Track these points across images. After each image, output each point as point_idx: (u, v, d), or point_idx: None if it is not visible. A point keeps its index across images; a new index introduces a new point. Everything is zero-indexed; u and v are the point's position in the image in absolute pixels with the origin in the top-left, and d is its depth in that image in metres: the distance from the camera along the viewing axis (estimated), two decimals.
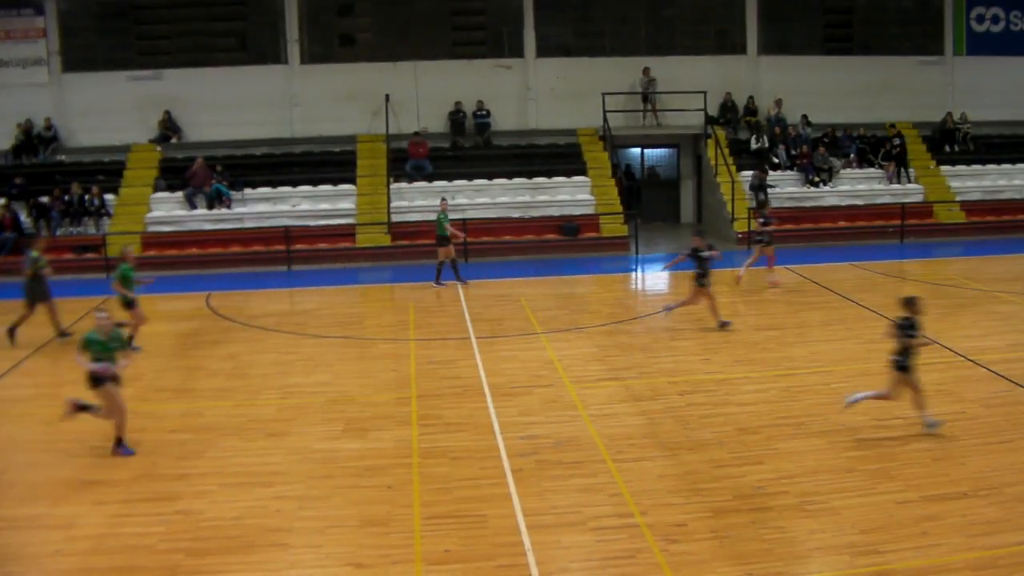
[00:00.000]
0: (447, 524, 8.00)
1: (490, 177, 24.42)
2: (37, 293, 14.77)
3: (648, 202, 27.15)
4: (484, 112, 25.58)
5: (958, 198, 25.29)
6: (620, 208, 23.92)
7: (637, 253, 22.48)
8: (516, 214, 23.63)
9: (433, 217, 22.24)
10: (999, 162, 26.53)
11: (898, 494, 8.39)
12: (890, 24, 27.95)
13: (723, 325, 14.57)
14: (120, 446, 9.75)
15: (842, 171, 25.54)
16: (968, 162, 26.40)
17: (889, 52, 27.52)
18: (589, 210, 23.89)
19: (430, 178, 24.28)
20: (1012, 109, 27.70)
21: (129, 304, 14.13)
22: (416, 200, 23.74)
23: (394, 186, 23.80)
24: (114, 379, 9.75)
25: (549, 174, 24.63)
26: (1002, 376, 11.88)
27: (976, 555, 7.28)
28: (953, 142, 26.84)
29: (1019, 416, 10.43)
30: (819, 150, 25.30)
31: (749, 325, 15.18)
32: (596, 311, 16.91)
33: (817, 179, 25.01)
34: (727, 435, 10.00)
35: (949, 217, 24.81)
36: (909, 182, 25.54)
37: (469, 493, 8.63)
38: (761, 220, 18.21)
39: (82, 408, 9.91)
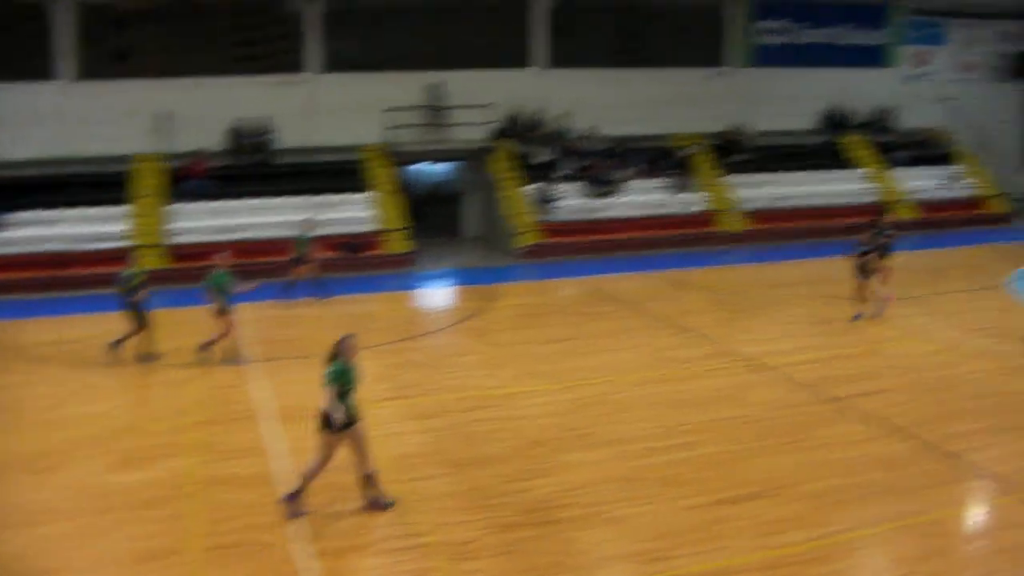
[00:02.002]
0: (231, 554, 7.87)
1: (274, 195, 23.92)
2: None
3: (432, 217, 27.14)
4: (268, 129, 24.99)
5: (743, 206, 26.28)
6: (404, 224, 23.80)
7: (419, 269, 22.34)
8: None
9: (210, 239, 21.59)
10: (782, 171, 27.76)
11: (687, 499, 8.70)
12: (677, 37, 28.77)
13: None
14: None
15: (629, 182, 26.08)
16: (752, 171, 27.42)
17: (676, 64, 28.40)
18: (373, 227, 23.69)
19: (211, 198, 23.54)
20: (795, 119, 29.05)
21: (221, 312, 13.96)
22: (199, 220, 22.97)
23: (173, 207, 22.96)
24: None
25: (333, 191, 24.31)
26: (788, 378, 12.54)
27: (765, 554, 7.60)
28: (738, 152, 27.83)
29: (804, 417, 11.02)
30: (606, 162, 25.77)
31: (536, 339, 15.43)
32: (382, 329, 16.70)
33: (604, 191, 25.48)
34: (514, 449, 10.16)
35: (733, 225, 25.67)
36: (695, 192, 26.31)
37: (253, 521, 8.49)
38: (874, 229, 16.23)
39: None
